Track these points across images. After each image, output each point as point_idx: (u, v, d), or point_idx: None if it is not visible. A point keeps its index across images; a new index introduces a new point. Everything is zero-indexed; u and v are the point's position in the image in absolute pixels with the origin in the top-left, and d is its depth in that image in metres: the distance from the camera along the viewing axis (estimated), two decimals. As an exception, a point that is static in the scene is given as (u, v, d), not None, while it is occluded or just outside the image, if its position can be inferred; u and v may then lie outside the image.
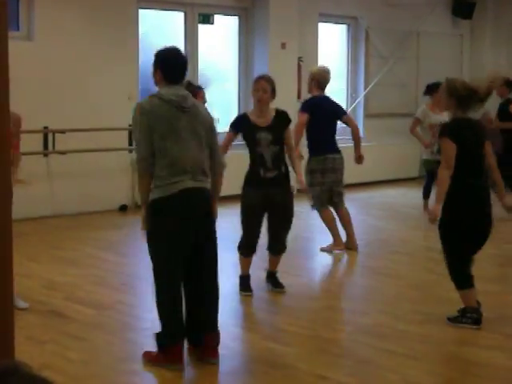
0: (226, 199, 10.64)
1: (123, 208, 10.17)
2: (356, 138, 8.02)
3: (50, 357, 4.80)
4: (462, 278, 5.41)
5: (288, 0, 11.67)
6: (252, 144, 6.13)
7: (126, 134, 10.07)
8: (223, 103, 12.11)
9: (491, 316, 5.66)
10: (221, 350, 4.92)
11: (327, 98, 7.96)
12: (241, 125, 6.21)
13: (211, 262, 4.73)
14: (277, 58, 11.57)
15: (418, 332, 5.35)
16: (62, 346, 5.02)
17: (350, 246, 7.95)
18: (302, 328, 5.45)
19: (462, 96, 5.32)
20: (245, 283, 6.34)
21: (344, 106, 13.29)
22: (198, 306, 4.71)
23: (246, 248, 6.29)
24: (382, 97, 13.57)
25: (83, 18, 9.84)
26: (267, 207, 6.15)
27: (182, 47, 11.09)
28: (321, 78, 7.84)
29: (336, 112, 7.95)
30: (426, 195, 10.06)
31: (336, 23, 13.34)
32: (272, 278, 6.45)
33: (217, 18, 11.55)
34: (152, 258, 4.64)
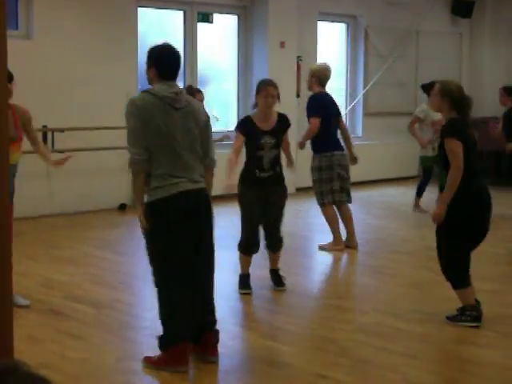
0: (225, 198, 10.66)
1: (122, 207, 10.17)
2: (348, 139, 8.05)
3: (48, 356, 4.79)
4: (459, 276, 5.41)
5: (287, -1, 11.67)
6: (255, 148, 6.16)
7: (124, 132, 10.00)
8: (222, 102, 12.12)
9: (490, 315, 5.66)
10: (220, 348, 4.92)
11: (330, 96, 7.99)
12: (246, 128, 6.20)
13: (208, 261, 4.71)
14: (276, 56, 11.57)
15: (417, 331, 5.35)
16: (60, 344, 5.01)
17: (350, 244, 7.96)
18: (302, 327, 5.45)
19: (457, 98, 5.33)
20: (244, 281, 6.35)
21: (343, 104, 13.35)
22: (196, 305, 4.70)
23: (246, 246, 6.30)
24: (381, 95, 13.58)
25: (82, 17, 9.83)
26: (263, 205, 6.20)
27: (181, 46, 11.10)
28: (321, 75, 7.84)
29: (338, 110, 8.00)
30: (420, 193, 10.06)
31: (335, 22, 13.35)
32: (275, 276, 6.48)
33: (216, 16, 11.55)
34: (152, 258, 4.62)
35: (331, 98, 8.03)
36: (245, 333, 5.48)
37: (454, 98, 5.33)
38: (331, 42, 13.36)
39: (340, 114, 8.12)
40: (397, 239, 8.65)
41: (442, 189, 5.43)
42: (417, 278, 6.81)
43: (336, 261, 7.80)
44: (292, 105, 10.97)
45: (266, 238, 6.39)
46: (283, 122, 6.28)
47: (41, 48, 9.47)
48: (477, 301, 5.51)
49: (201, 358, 4.69)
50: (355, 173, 12.00)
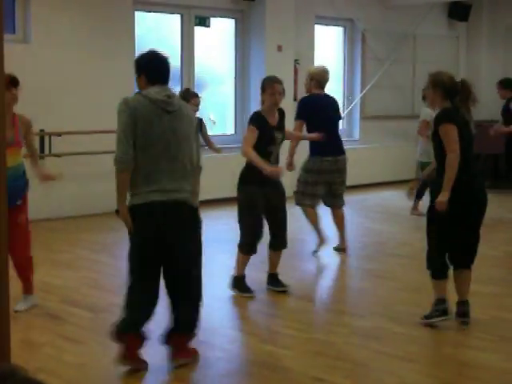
0: (222, 202, 10.67)
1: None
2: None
3: (45, 360, 4.79)
4: (438, 266, 5.41)
5: (284, 2, 11.67)
6: (267, 142, 6.17)
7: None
8: (219, 106, 12.12)
9: (487, 318, 5.67)
10: (218, 352, 4.92)
11: (331, 98, 7.95)
12: (260, 122, 6.20)
13: (189, 268, 4.67)
14: (273, 60, 11.58)
15: (415, 334, 5.35)
16: (57, 348, 5.01)
17: (340, 247, 7.95)
18: (299, 330, 5.44)
19: (449, 87, 5.33)
20: (243, 284, 6.32)
21: (340, 108, 13.34)
22: (175, 311, 4.70)
23: (251, 245, 6.28)
24: (379, 99, 13.59)
25: (79, 21, 9.83)
26: (267, 205, 6.22)
27: (178, 50, 11.12)
28: (320, 78, 7.79)
29: (337, 113, 7.96)
30: (419, 197, 10.06)
31: (332, 25, 13.35)
32: (274, 280, 6.47)
33: (213, 20, 11.56)
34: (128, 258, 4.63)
35: (332, 100, 7.95)
36: (243, 337, 5.48)
37: (445, 88, 5.33)
38: (328, 46, 13.37)
39: (339, 117, 8.07)
40: (395, 243, 8.65)
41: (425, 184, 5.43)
42: (415, 282, 6.81)
43: (334, 264, 7.79)
44: (289, 108, 10.94)
45: (273, 237, 6.39)
46: (282, 116, 6.37)
47: (38, 52, 9.47)
48: (465, 303, 5.51)
49: (171, 364, 4.69)
50: (352, 176, 12.03)
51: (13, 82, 5.62)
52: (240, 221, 6.30)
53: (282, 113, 6.37)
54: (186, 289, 4.66)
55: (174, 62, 11.11)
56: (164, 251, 4.55)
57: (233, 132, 11.94)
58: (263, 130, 6.16)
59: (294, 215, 7.92)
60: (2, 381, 1.49)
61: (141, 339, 4.61)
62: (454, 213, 5.26)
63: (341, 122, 13.11)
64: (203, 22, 11.40)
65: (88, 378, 4.57)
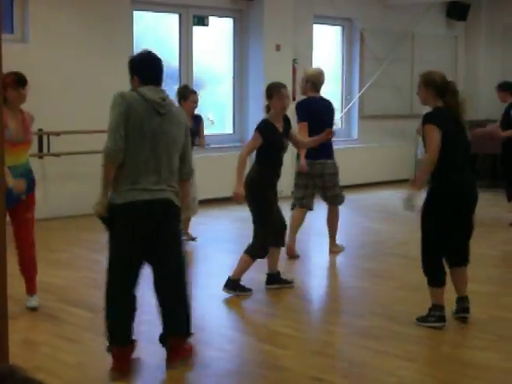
0: (220, 201, 10.66)
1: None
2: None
3: (44, 360, 4.78)
4: (435, 273, 5.41)
5: (283, 2, 11.67)
6: (279, 149, 6.25)
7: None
8: (218, 105, 12.11)
9: (485, 317, 5.67)
10: (217, 352, 4.92)
11: (327, 101, 7.91)
12: (269, 131, 6.23)
13: (176, 267, 4.65)
14: (271, 59, 11.58)
15: (413, 334, 5.35)
16: (56, 348, 5.01)
17: (331, 248, 7.92)
18: (298, 330, 5.44)
19: (440, 85, 5.36)
20: (239, 285, 6.33)
21: (339, 107, 13.36)
22: (165, 312, 4.69)
23: (266, 249, 6.31)
24: (377, 98, 13.59)
25: (77, 20, 9.83)
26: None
27: (176, 49, 11.11)
28: (316, 80, 7.76)
29: (332, 117, 7.92)
30: None
31: (331, 25, 13.36)
32: (278, 278, 6.52)
33: (212, 19, 11.56)
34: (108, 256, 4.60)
35: (328, 103, 7.91)
36: (241, 336, 5.48)
37: (437, 86, 5.36)
38: (327, 45, 13.38)
39: (333, 121, 8.01)
40: (393, 242, 8.65)
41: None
42: (413, 281, 6.80)
43: (332, 264, 7.79)
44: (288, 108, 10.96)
45: (279, 237, 6.45)
46: (287, 122, 6.39)
47: (36, 52, 9.46)
48: (464, 299, 5.52)
49: (167, 366, 4.68)
50: (350, 175, 12.05)
51: (20, 82, 5.63)
52: (259, 225, 6.28)
53: (287, 119, 6.39)
54: (175, 288, 4.65)
55: (173, 62, 11.12)
56: (150, 251, 4.52)
57: (231, 131, 11.94)
58: (273, 138, 6.20)
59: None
60: (1, 380, 1.48)
61: (130, 349, 4.58)
62: (448, 212, 5.29)
63: (339, 121, 13.20)
64: (201, 21, 11.40)
65: (87, 377, 4.57)
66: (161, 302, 4.65)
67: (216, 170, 10.79)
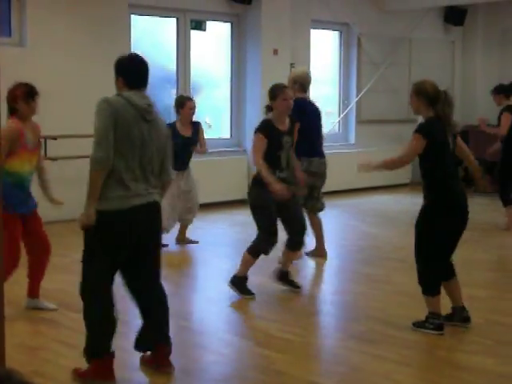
0: (218, 205, 10.68)
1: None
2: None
3: (41, 364, 4.78)
4: (430, 283, 5.41)
5: (280, 6, 11.69)
6: (276, 148, 6.28)
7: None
8: (215, 109, 12.12)
9: (481, 321, 5.68)
10: (214, 356, 4.92)
11: (314, 104, 7.90)
12: (268, 130, 6.28)
13: (156, 275, 4.67)
14: (269, 64, 11.59)
15: (409, 338, 5.36)
16: (53, 352, 5.01)
17: (318, 252, 7.92)
18: (295, 335, 5.45)
19: (432, 95, 5.38)
20: (244, 286, 6.36)
21: (336, 112, 13.38)
22: (147, 318, 4.68)
23: (266, 247, 6.32)
24: (374, 103, 13.61)
25: (75, 24, 9.84)
26: (282, 207, 6.29)
27: (174, 53, 11.12)
28: (303, 81, 7.73)
29: (320, 120, 7.92)
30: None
31: (328, 29, 13.38)
32: (287, 278, 6.58)
33: (209, 24, 11.57)
34: (83, 259, 4.52)
35: (315, 108, 7.87)
36: (239, 340, 5.48)
37: (429, 96, 5.39)
38: (324, 50, 13.39)
39: (321, 125, 8.02)
40: (391, 247, 8.66)
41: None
42: (410, 286, 6.80)
43: (329, 268, 7.80)
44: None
45: (294, 237, 6.45)
46: (293, 122, 6.48)
47: (34, 55, 9.47)
48: (463, 308, 5.53)
49: (154, 367, 4.65)
50: (347, 180, 12.06)
51: (30, 94, 5.67)
52: (259, 223, 6.33)
53: (292, 119, 6.47)
54: (161, 293, 4.67)
55: (170, 66, 11.14)
56: (141, 253, 4.52)
57: (228, 136, 11.95)
58: (271, 136, 6.26)
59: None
60: (-1, 384, 1.49)
61: (110, 358, 4.51)
62: (444, 225, 5.30)
63: (336, 125, 13.21)
64: (199, 25, 11.41)
65: (83, 382, 4.56)
66: (147, 307, 4.65)
67: (213, 174, 10.80)
